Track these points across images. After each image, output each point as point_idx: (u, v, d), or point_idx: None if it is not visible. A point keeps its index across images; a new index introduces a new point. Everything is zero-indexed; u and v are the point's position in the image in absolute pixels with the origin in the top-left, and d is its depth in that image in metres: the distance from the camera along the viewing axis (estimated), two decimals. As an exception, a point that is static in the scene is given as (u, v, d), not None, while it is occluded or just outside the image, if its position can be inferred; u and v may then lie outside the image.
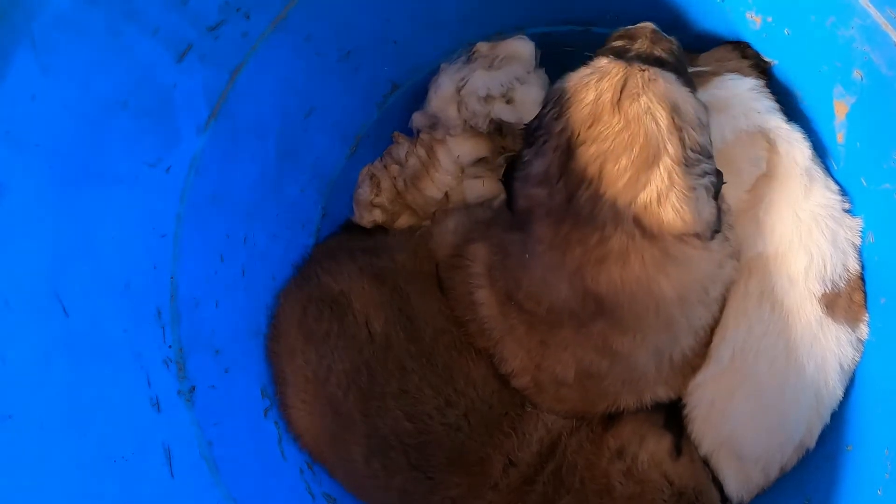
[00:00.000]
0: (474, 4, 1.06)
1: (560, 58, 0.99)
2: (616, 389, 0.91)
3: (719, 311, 0.90)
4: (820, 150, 0.94)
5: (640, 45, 0.84)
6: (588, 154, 0.77)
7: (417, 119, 1.15)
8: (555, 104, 0.81)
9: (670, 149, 0.77)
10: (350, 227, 1.19)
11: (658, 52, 0.84)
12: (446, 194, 1.15)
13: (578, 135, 0.78)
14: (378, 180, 1.18)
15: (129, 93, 0.77)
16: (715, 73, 0.96)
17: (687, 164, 0.78)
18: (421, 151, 1.15)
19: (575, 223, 0.78)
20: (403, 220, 1.19)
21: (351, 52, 1.03)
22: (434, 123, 1.13)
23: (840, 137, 0.91)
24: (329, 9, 0.94)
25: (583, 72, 0.81)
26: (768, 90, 0.95)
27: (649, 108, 0.77)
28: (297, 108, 1.02)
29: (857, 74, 0.84)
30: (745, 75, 0.95)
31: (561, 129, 0.79)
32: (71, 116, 0.72)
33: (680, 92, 0.80)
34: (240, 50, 0.89)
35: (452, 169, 1.13)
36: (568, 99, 0.80)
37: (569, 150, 0.78)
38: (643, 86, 0.78)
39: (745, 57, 0.96)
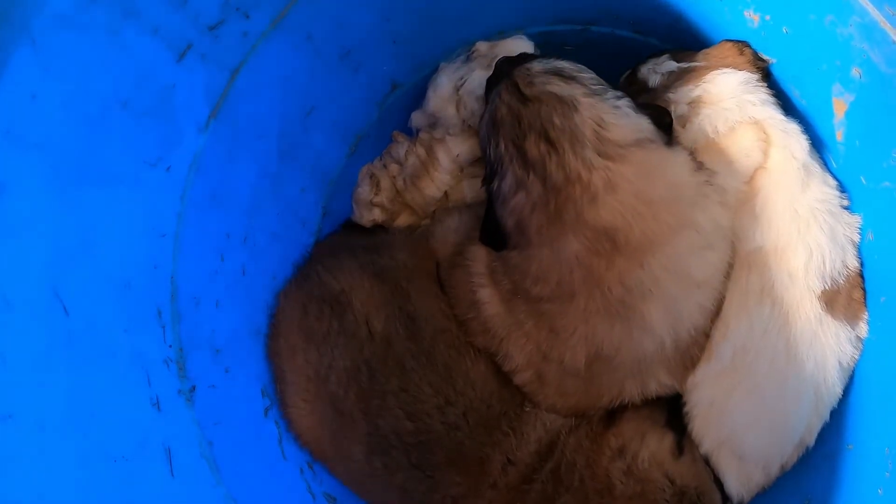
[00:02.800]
0: (474, 4, 1.06)
1: (560, 57, 0.99)
2: (623, 374, 0.91)
3: (721, 296, 0.90)
4: (819, 148, 0.94)
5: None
6: (533, 140, 0.84)
7: (417, 118, 1.15)
8: (487, 140, 0.89)
9: (577, 92, 0.85)
10: (350, 227, 1.19)
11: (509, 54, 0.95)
12: (446, 193, 1.15)
13: (517, 136, 0.85)
14: (377, 179, 1.18)
15: (130, 92, 0.77)
16: (707, 68, 0.96)
17: (597, 94, 0.86)
18: (420, 151, 1.15)
19: (557, 193, 0.83)
20: (403, 220, 1.19)
21: (351, 52, 1.03)
22: (433, 123, 1.13)
23: (839, 135, 0.91)
24: (329, 8, 0.94)
25: (490, 106, 0.90)
26: (764, 84, 0.95)
27: (544, 87, 0.86)
28: (297, 108, 1.02)
29: (855, 72, 0.84)
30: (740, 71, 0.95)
31: (504, 146, 0.87)
32: (71, 116, 0.72)
33: (552, 65, 0.88)
34: (240, 49, 0.89)
35: (452, 168, 1.13)
36: (492, 128, 0.88)
37: (519, 151, 0.85)
38: (534, 81, 0.87)
39: (742, 55, 0.96)
